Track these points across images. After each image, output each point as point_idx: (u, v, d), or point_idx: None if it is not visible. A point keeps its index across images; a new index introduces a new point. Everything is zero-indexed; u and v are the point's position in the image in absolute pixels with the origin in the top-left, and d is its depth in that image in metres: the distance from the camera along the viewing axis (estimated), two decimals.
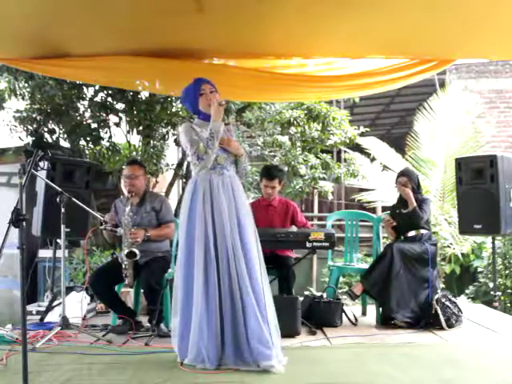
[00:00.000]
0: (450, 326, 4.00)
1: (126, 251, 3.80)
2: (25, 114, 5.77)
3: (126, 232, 3.85)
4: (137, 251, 3.80)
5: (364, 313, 4.66)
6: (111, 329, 3.94)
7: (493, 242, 5.00)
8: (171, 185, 7.02)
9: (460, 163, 4.91)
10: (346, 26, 3.65)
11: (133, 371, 2.95)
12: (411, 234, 4.38)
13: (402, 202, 4.50)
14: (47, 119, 5.82)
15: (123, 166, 4.28)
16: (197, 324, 3.01)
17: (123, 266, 3.85)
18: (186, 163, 7.05)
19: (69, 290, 4.55)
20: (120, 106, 5.96)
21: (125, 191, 4.16)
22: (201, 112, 3.31)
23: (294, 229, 4.09)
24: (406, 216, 4.41)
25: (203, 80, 3.33)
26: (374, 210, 7.40)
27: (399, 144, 8.54)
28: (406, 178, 4.46)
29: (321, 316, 4.14)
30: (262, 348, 2.95)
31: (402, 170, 4.66)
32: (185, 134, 3.24)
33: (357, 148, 6.89)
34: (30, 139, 5.79)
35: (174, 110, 6.12)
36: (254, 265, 3.08)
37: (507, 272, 5.71)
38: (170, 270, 4.05)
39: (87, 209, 4.18)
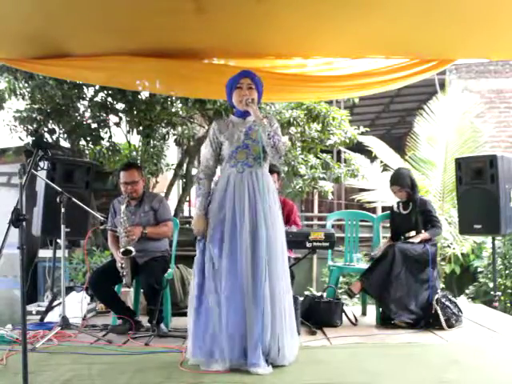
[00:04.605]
0: (450, 326, 3.99)
1: (121, 250, 3.81)
2: (25, 114, 5.77)
3: (121, 231, 3.85)
4: (132, 248, 3.80)
5: (364, 313, 4.66)
6: (111, 329, 3.94)
7: (493, 242, 5.00)
8: (171, 185, 7.03)
9: (460, 163, 4.90)
10: (346, 25, 3.65)
11: (133, 371, 2.95)
12: (412, 234, 4.37)
13: (402, 203, 4.50)
14: (47, 119, 5.83)
15: (120, 171, 4.22)
16: (211, 326, 3.00)
17: (119, 265, 3.86)
18: (185, 163, 7.07)
19: (69, 289, 4.55)
20: (120, 105, 5.97)
21: (123, 192, 4.14)
22: (234, 106, 3.24)
23: (294, 229, 4.09)
24: (406, 217, 4.41)
25: (245, 73, 3.21)
26: (373, 210, 7.40)
27: (399, 144, 8.55)
28: (398, 186, 4.38)
29: (321, 316, 4.14)
30: (252, 354, 2.92)
31: (392, 177, 4.47)
32: (207, 139, 3.27)
33: (357, 148, 6.90)
34: (30, 139, 5.80)
35: (173, 110, 6.13)
36: (261, 269, 2.98)
37: (507, 272, 5.71)
38: (169, 270, 4.05)
39: (87, 209, 4.18)
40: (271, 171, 4.18)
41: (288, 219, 4.45)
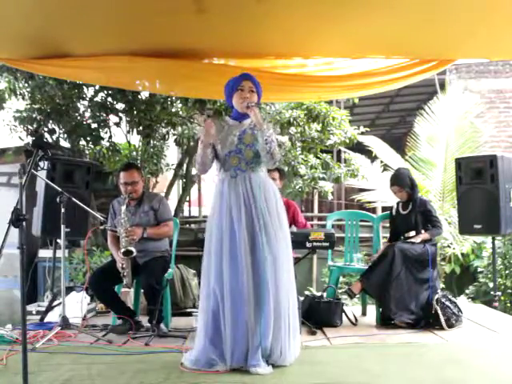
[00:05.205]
0: (450, 326, 3.99)
1: (122, 250, 3.80)
2: (25, 114, 5.77)
3: (122, 232, 3.85)
4: (133, 249, 3.80)
5: (364, 313, 4.66)
6: (111, 329, 3.93)
7: (493, 242, 5.00)
8: (171, 185, 7.03)
9: (460, 163, 4.90)
10: (346, 26, 3.65)
11: (133, 371, 2.95)
12: (412, 234, 4.36)
13: (401, 203, 4.50)
14: (47, 119, 5.83)
15: (120, 171, 4.22)
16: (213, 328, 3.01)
17: (119, 265, 3.86)
18: (185, 163, 7.07)
19: (69, 289, 4.55)
20: (120, 105, 5.97)
21: (123, 192, 4.14)
22: (234, 108, 3.23)
23: (293, 229, 4.08)
24: (406, 217, 4.41)
25: (247, 76, 3.21)
26: (373, 210, 7.40)
27: (399, 144, 8.54)
28: (398, 186, 4.39)
29: (321, 316, 4.14)
30: (253, 355, 2.93)
31: (392, 178, 4.49)
32: (202, 134, 3.21)
33: (357, 148, 6.90)
34: (30, 139, 5.80)
35: (173, 110, 6.13)
36: (262, 272, 2.97)
37: (507, 272, 5.71)
38: (169, 270, 4.05)
39: (87, 209, 4.18)
40: (272, 169, 4.19)
41: (294, 220, 4.44)
